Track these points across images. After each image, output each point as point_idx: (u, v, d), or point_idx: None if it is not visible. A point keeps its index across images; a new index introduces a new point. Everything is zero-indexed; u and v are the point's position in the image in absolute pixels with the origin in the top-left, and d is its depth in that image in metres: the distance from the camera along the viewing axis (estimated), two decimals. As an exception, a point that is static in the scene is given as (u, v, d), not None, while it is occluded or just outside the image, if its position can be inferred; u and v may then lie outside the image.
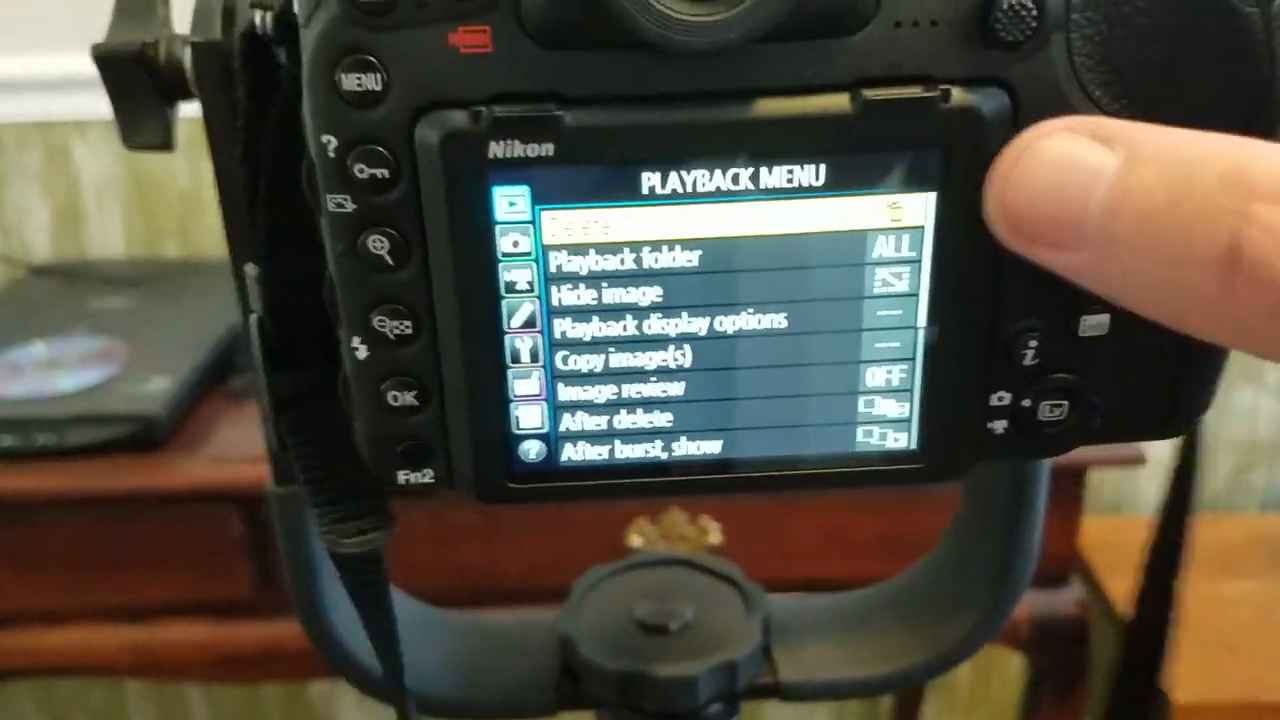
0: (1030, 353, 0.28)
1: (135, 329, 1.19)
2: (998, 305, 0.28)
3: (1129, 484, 1.60)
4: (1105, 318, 0.28)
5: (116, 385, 1.10)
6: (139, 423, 1.05)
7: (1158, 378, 0.29)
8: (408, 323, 0.27)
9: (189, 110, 0.33)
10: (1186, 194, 0.21)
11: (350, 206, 0.26)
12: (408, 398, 0.28)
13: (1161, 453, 1.59)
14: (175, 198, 1.40)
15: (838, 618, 0.51)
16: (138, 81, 0.35)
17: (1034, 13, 0.25)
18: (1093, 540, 1.44)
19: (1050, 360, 0.28)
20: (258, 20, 0.27)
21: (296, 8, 0.25)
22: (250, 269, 0.30)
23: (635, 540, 1.11)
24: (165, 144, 0.37)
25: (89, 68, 0.30)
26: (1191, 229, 0.21)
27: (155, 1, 0.36)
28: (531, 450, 0.29)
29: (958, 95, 0.25)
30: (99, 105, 0.34)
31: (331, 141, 0.25)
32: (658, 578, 0.53)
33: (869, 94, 0.25)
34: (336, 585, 0.41)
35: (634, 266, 0.27)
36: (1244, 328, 0.21)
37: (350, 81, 0.24)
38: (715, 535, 1.12)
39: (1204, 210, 0.21)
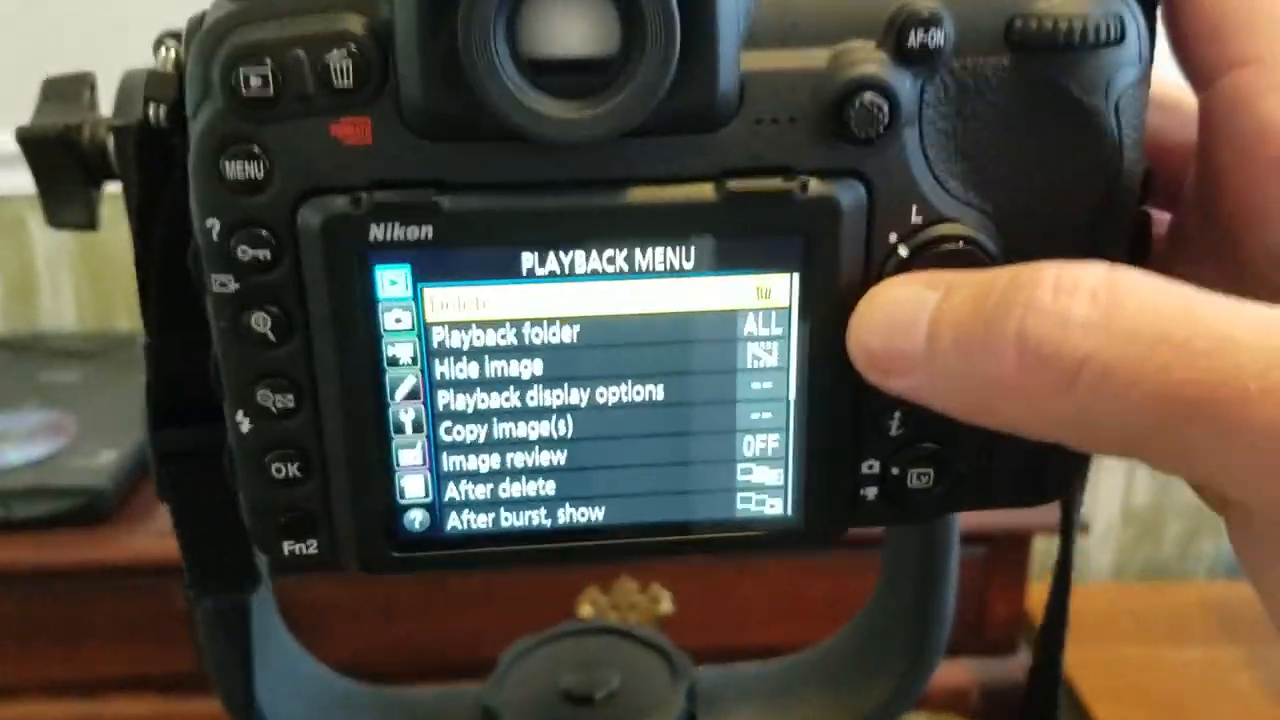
0: (895, 423, 0.30)
1: (86, 402, 1.19)
2: (862, 381, 0.29)
3: (1078, 549, 1.61)
4: None
5: (64, 459, 1.10)
6: (86, 496, 1.05)
7: (1024, 445, 0.30)
8: (290, 396, 0.28)
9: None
10: (986, 299, 0.24)
11: (233, 286, 0.27)
12: (291, 470, 0.28)
13: (1111, 520, 1.60)
14: (127, 271, 1.35)
15: (763, 685, 0.51)
16: (61, 162, 0.36)
17: (885, 109, 0.26)
18: (1042, 606, 1.44)
19: (915, 430, 0.30)
20: (151, 112, 0.28)
21: (188, 105, 0.26)
22: (141, 339, 0.31)
23: (586, 610, 1.11)
24: (89, 224, 0.38)
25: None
26: (989, 326, 0.24)
27: (81, 86, 0.37)
28: (416, 519, 0.30)
29: (815, 186, 0.27)
30: None
31: (215, 225, 0.26)
32: (586, 647, 0.53)
33: (732, 185, 0.26)
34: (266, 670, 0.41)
35: (515, 341, 0.28)
36: (1037, 407, 0.24)
37: (234, 169, 0.25)
38: (666, 604, 1.12)
39: (997, 307, 0.24)
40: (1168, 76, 0.29)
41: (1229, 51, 0.27)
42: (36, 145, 0.36)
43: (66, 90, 0.37)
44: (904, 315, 0.26)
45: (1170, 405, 0.22)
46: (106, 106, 0.34)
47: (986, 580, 1.14)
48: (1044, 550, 1.61)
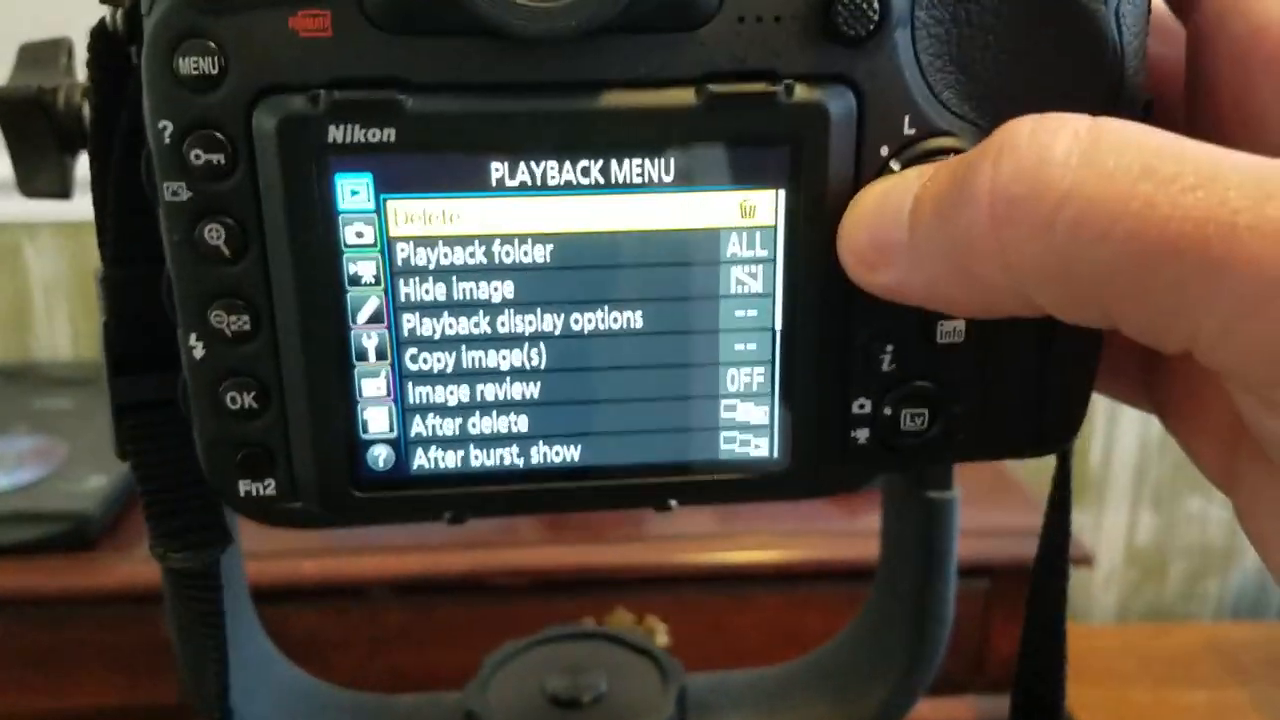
0: (887, 358, 0.28)
1: (77, 429, 1.18)
2: (852, 309, 0.27)
3: (1083, 588, 1.60)
4: (961, 323, 0.28)
5: (52, 484, 1.09)
6: (72, 521, 1.03)
7: (1021, 389, 0.29)
8: (246, 318, 0.26)
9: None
10: (963, 168, 0.23)
11: (186, 195, 0.25)
12: (247, 399, 0.27)
13: (1115, 561, 1.59)
14: (124, 299, 1.39)
15: (756, 691, 0.50)
16: (35, 127, 0.35)
17: (875, 6, 0.25)
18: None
19: (908, 367, 0.28)
20: (108, 18, 0.27)
21: (144, 3, 0.25)
22: (97, 272, 0.30)
23: (579, 643, 1.09)
24: (63, 192, 0.37)
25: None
26: (964, 181, 0.22)
27: (58, 50, 0.36)
28: (380, 457, 0.28)
29: (801, 91, 0.25)
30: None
31: (168, 127, 0.25)
32: (572, 652, 0.51)
33: (713, 88, 0.25)
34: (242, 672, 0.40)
35: (484, 260, 0.27)
36: (1014, 258, 0.22)
37: (188, 65, 0.24)
38: (662, 636, 1.10)
39: (974, 161, 0.22)
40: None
41: None
42: (9, 109, 0.35)
43: (42, 55, 0.36)
44: (891, 202, 0.25)
45: (1154, 244, 0.20)
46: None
47: (988, 614, 1.12)
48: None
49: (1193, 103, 0.28)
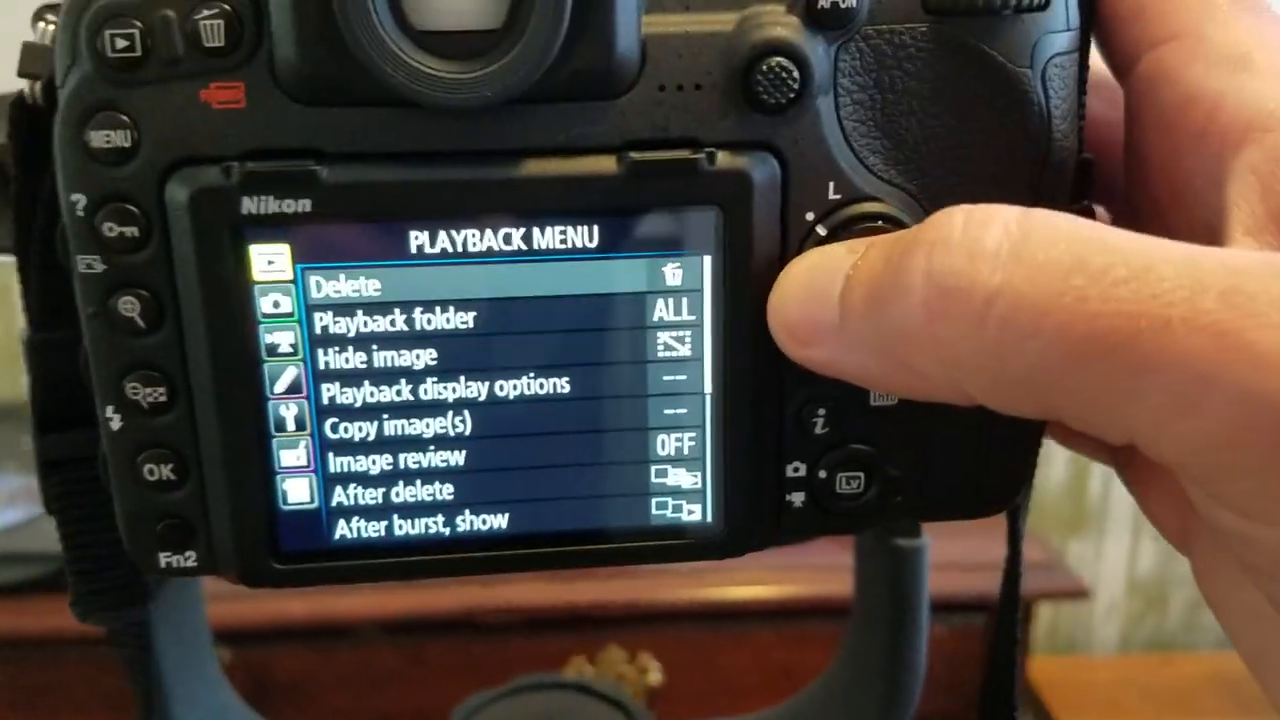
0: (820, 421, 0.28)
1: (68, 467, 1.17)
2: (784, 372, 0.27)
3: (1084, 621, 1.58)
4: None
5: (42, 524, 1.07)
6: (60, 561, 1.02)
7: (960, 452, 0.28)
8: (162, 390, 0.26)
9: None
10: (896, 246, 0.23)
11: (100, 267, 0.25)
12: (165, 471, 0.27)
13: (1116, 591, 1.57)
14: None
15: (728, 743, 0.49)
16: None
17: (795, 75, 0.24)
18: (1048, 679, 1.41)
19: (842, 430, 0.28)
20: (27, 90, 0.27)
21: (58, 75, 0.25)
22: (21, 333, 0.29)
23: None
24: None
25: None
26: (897, 271, 0.22)
27: (7, 106, 0.36)
28: (301, 528, 0.28)
29: (724, 158, 0.25)
30: None
31: (81, 200, 0.24)
32: (542, 702, 0.51)
33: (635, 156, 0.25)
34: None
35: (405, 328, 0.26)
36: (948, 353, 0.22)
37: (99, 139, 0.24)
38: (655, 674, 1.09)
39: (906, 250, 0.22)
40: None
41: (1151, 31, 0.26)
42: None
43: (3, 108, 0.35)
44: (821, 280, 0.24)
45: (1086, 341, 0.20)
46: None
47: (987, 648, 1.11)
48: (1047, 619, 1.58)
49: (1129, 168, 0.27)
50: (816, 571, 1.08)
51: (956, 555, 0.44)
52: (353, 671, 1.06)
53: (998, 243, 0.21)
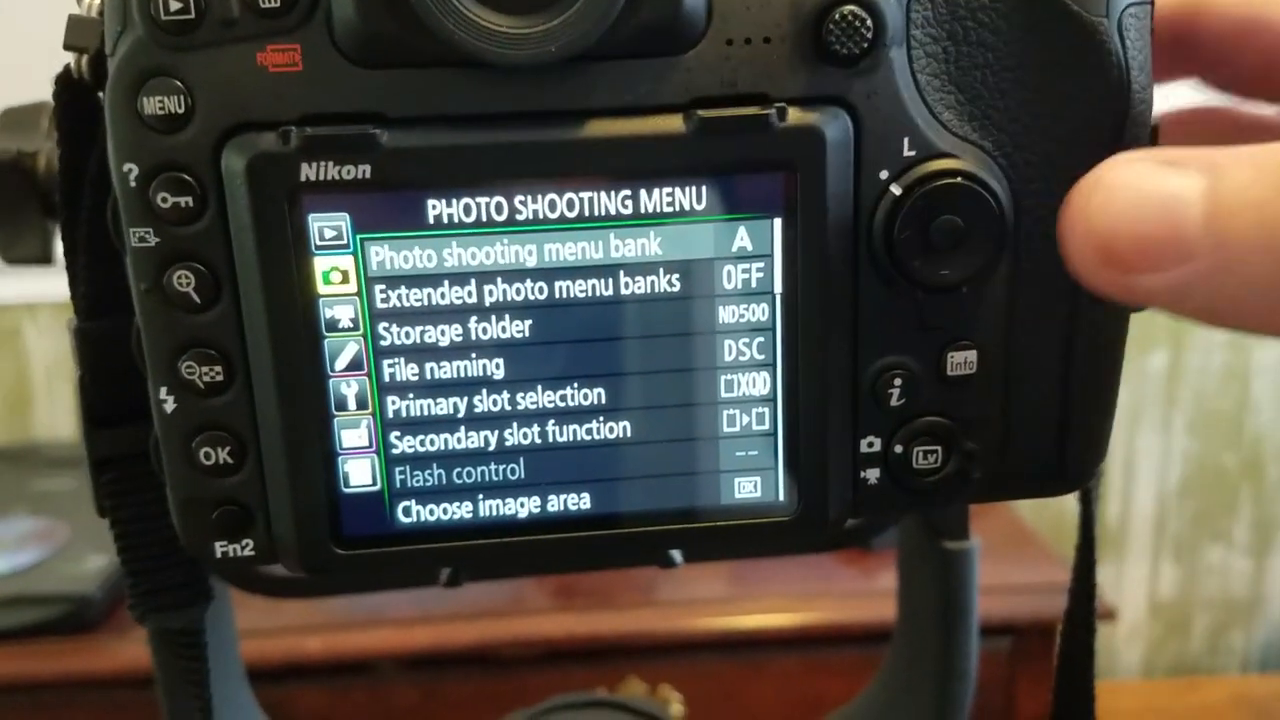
0: (896, 393, 0.27)
1: (78, 509, 1.16)
2: (857, 339, 0.26)
3: (1106, 645, 1.56)
4: (973, 354, 0.27)
5: (52, 566, 1.07)
6: (71, 604, 1.02)
7: (1039, 424, 0.28)
8: (219, 369, 0.25)
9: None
10: None
11: (154, 240, 0.24)
12: (221, 455, 0.26)
13: (1138, 615, 1.56)
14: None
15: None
16: (15, 191, 0.34)
17: (869, 24, 0.24)
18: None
19: (918, 401, 0.27)
20: (73, 64, 0.26)
21: (107, 43, 0.24)
22: (70, 323, 0.28)
23: (592, 715, 1.07)
24: (45, 258, 0.36)
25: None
26: None
27: (40, 114, 0.35)
28: (363, 512, 0.27)
29: (795, 114, 0.24)
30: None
31: (133, 170, 0.24)
32: (579, 720, 0.50)
33: (703, 114, 0.24)
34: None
35: (470, 301, 0.25)
36: None
37: (153, 105, 0.23)
38: (677, 706, 1.07)
39: None
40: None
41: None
42: None
43: (24, 119, 0.35)
44: (1163, 195, 0.21)
45: None
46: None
47: (1013, 674, 1.09)
48: (1069, 646, 1.55)
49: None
50: (838, 598, 1.06)
51: (982, 578, 0.43)
52: (371, 708, 1.05)
53: None
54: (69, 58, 0.26)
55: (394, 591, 1.07)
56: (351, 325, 0.25)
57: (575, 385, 0.26)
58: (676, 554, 0.37)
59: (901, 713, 0.46)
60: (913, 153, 0.25)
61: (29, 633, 1.01)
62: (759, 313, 0.26)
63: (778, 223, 0.25)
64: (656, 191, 0.25)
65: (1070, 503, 0.35)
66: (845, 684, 1.05)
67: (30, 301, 1.36)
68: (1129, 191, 0.22)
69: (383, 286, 0.25)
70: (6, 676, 1.00)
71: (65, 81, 0.26)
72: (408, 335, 0.25)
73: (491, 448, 0.26)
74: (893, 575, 0.48)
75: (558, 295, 0.25)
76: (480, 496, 0.27)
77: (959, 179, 0.25)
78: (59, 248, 0.33)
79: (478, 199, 0.24)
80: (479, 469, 0.27)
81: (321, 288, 0.25)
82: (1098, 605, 0.33)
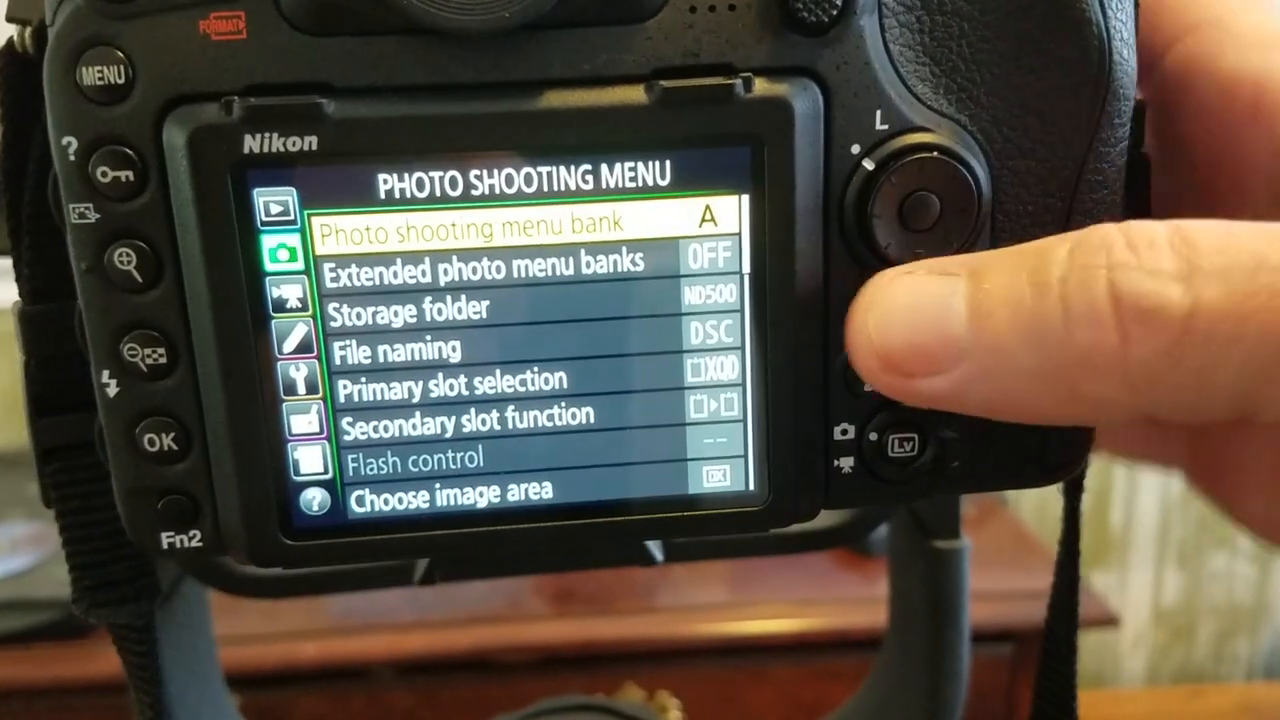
0: None
1: (73, 514, 1.16)
2: (828, 322, 0.25)
3: (1110, 653, 1.55)
4: None
5: (46, 570, 1.07)
6: (64, 609, 1.00)
7: None
8: (161, 350, 0.24)
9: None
10: (1046, 275, 0.22)
11: (94, 217, 0.23)
12: (166, 441, 0.25)
13: (1142, 622, 1.55)
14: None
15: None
16: None
17: None
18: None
19: None
20: (16, 37, 0.25)
21: (47, 13, 0.23)
22: (14, 306, 0.28)
23: None
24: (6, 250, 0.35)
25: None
26: (1067, 299, 0.21)
27: None
28: (315, 500, 0.25)
29: (761, 85, 0.23)
30: None
31: (72, 143, 0.23)
32: (566, 725, 0.49)
33: (665, 84, 0.23)
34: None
35: (423, 279, 0.24)
36: (1140, 376, 0.21)
37: (92, 75, 0.22)
38: (675, 713, 1.06)
39: (1070, 279, 0.21)
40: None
41: (1170, 26, 0.26)
42: None
43: None
44: (929, 305, 0.23)
45: None
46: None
47: (1014, 680, 1.08)
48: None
49: (1171, 163, 0.27)
50: (837, 604, 1.06)
51: (982, 585, 0.42)
52: (368, 713, 1.04)
53: (1175, 260, 0.21)
54: (12, 31, 0.25)
55: (391, 594, 1.07)
56: (300, 305, 0.24)
57: (535, 369, 0.25)
58: (656, 550, 0.36)
59: (893, 715, 0.46)
60: (885, 126, 0.24)
61: (23, 637, 1.01)
62: (726, 293, 0.25)
63: (745, 199, 0.24)
64: (618, 166, 0.24)
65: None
66: (845, 690, 1.04)
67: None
68: (901, 302, 0.23)
69: (332, 265, 0.24)
70: (1, 681, 0.99)
71: (8, 55, 0.25)
72: (359, 316, 0.24)
73: (449, 434, 0.25)
74: (894, 582, 0.47)
75: (515, 275, 0.24)
76: (437, 485, 0.26)
77: (934, 153, 0.24)
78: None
79: (431, 173, 0.23)
80: (436, 456, 0.26)
81: (268, 265, 0.24)
82: (1096, 615, 0.32)
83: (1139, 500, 1.51)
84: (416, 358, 0.25)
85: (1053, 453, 0.27)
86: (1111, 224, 0.22)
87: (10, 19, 0.25)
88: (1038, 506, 1.43)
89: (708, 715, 1.07)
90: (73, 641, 1.01)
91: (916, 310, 0.23)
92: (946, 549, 0.42)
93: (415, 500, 0.26)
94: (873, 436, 0.26)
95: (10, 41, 0.25)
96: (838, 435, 0.26)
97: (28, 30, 0.25)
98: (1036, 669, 0.33)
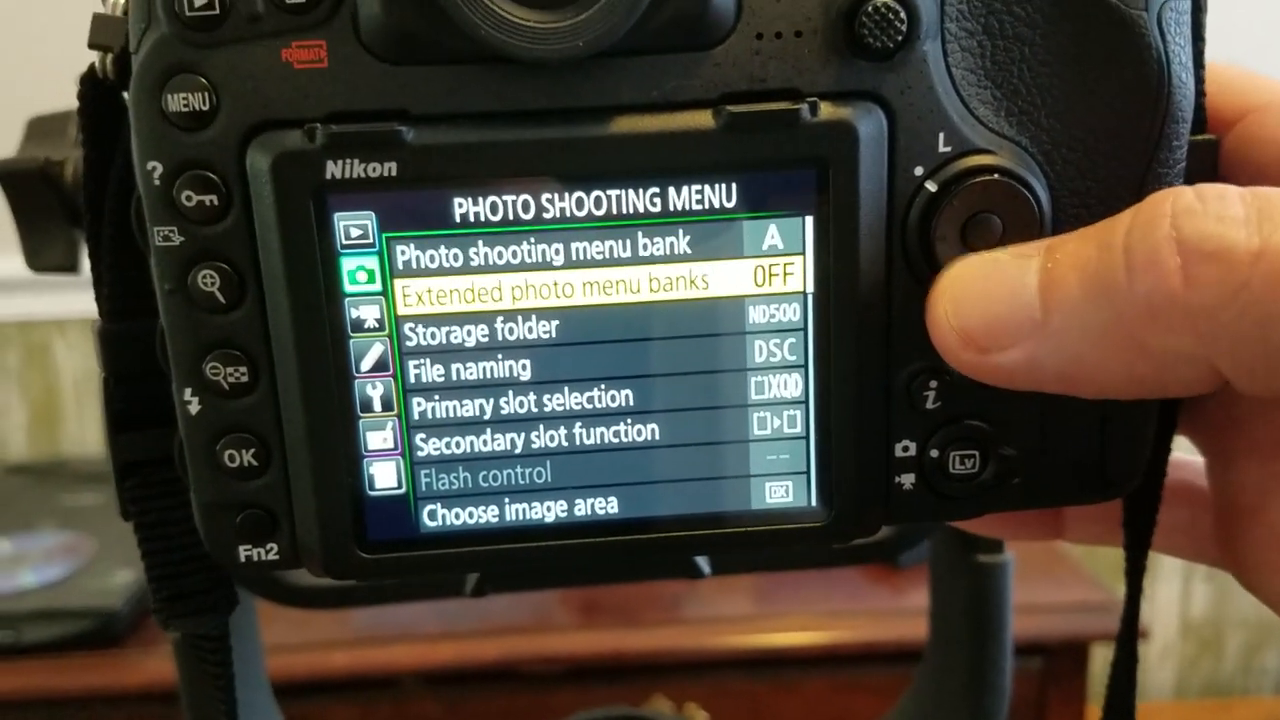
0: (932, 395, 0.26)
1: (106, 524, 1.16)
2: (890, 341, 0.26)
3: (1138, 664, 1.54)
4: None
5: (79, 580, 1.07)
6: (98, 618, 1.02)
7: (1080, 426, 0.27)
8: (244, 369, 0.25)
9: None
10: (1111, 234, 0.22)
11: (178, 239, 0.24)
12: (246, 457, 0.25)
13: (1170, 635, 1.54)
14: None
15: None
16: (41, 200, 0.34)
17: (903, 16, 0.23)
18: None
19: (955, 405, 0.26)
20: (97, 63, 0.26)
21: (131, 40, 0.24)
22: (94, 325, 0.28)
23: (618, 732, 1.06)
24: (71, 266, 0.36)
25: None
26: (1130, 250, 0.22)
27: (67, 122, 0.35)
28: (388, 515, 0.26)
29: (827, 109, 0.24)
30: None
31: (157, 169, 0.23)
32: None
33: (732, 109, 0.24)
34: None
35: (496, 302, 0.25)
36: (1205, 322, 0.21)
37: (177, 102, 0.23)
38: (703, 726, 1.07)
39: (1134, 231, 0.22)
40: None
41: (1240, 101, 0.27)
42: (15, 181, 0.34)
43: (51, 128, 0.35)
44: (1005, 279, 0.23)
45: None
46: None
47: (1043, 695, 1.08)
48: (1101, 663, 1.54)
49: None
50: (867, 616, 1.05)
51: (1014, 597, 0.43)
52: (394, 723, 1.04)
53: (1245, 208, 0.21)
54: (93, 58, 0.26)
55: (420, 605, 1.07)
56: (377, 325, 0.25)
57: (603, 387, 0.26)
58: (704, 564, 0.37)
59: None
60: (948, 149, 0.25)
61: (56, 647, 1.01)
62: (790, 313, 0.26)
63: (809, 220, 0.25)
64: (685, 189, 0.24)
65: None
66: (874, 703, 1.05)
67: (59, 318, 1.37)
68: (979, 279, 0.24)
69: (407, 285, 0.25)
70: (33, 690, 1.00)
71: (90, 80, 0.26)
72: (433, 336, 0.25)
73: (518, 450, 0.26)
74: (922, 593, 0.47)
75: (584, 295, 0.25)
76: (506, 500, 0.26)
77: (996, 175, 0.24)
78: (85, 258, 0.33)
79: (504, 197, 0.24)
80: (505, 472, 0.26)
81: (347, 287, 0.25)
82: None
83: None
84: (488, 376, 0.25)
85: (1112, 465, 0.27)
86: (1183, 186, 0.22)
87: (92, 46, 0.25)
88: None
89: (736, 727, 1.07)
90: (104, 651, 1.01)
91: (992, 286, 0.24)
92: (990, 563, 0.43)
93: (485, 515, 0.26)
94: (934, 453, 0.26)
95: (92, 67, 0.26)
96: (899, 452, 0.26)
97: (109, 57, 0.25)
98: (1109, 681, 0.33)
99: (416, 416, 0.26)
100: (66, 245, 0.35)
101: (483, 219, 0.24)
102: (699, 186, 0.24)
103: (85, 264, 0.33)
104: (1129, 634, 0.31)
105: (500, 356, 0.25)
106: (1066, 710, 1.09)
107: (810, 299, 0.25)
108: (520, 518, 0.26)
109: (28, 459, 1.41)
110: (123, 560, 1.08)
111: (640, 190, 0.24)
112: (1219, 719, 1.44)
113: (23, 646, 1.00)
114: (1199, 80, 0.26)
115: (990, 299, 0.24)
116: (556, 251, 0.25)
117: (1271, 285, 0.20)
